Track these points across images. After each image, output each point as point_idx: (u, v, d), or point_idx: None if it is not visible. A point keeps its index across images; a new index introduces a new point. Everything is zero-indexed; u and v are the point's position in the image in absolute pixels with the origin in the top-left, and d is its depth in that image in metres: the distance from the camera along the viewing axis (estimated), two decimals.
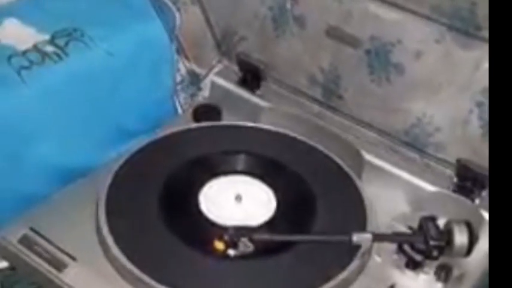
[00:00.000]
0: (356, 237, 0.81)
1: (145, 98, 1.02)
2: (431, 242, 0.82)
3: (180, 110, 1.09)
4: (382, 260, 0.85)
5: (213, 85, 1.10)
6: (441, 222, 0.84)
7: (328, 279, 0.80)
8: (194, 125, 1.02)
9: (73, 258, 0.82)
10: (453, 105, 0.89)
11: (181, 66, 1.11)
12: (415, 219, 0.86)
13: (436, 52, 0.87)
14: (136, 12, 1.00)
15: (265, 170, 0.94)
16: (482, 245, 0.84)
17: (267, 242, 0.82)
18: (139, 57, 0.99)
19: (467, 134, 0.90)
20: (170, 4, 1.04)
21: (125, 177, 0.90)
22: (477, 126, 0.88)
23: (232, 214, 0.88)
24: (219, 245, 0.81)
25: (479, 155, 0.90)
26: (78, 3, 0.99)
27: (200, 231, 0.85)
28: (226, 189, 0.91)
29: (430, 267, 0.84)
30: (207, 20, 1.08)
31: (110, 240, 0.82)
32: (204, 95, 1.13)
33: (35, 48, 0.91)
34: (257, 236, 0.82)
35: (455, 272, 0.84)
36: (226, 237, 0.81)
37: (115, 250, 0.81)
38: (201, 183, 0.91)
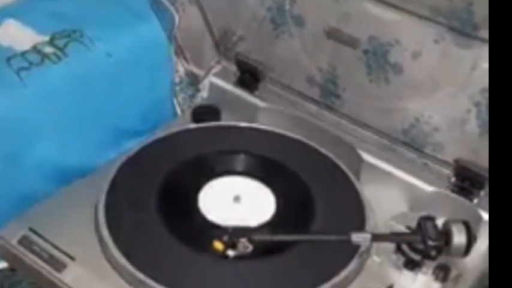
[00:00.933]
0: (355, 237, 0.81)
1: (144, 98, 1.02)
2: (430, 242, 0.82)
3: (178, 111, 1.09)
4: (380, 259, 0.85)
5: (212, 86, 1.10)
6: (439, 222, 0.84)
7: (327, 279, 0.80)
8: (193, 125, 1.03)
9: (72, 259, 0.82)
10: (451, 105, 0.89)
11: (179, 67, 1.11)
12: (413, 219, 0.86)
13: (434, 52, 0.87)
14: (135, 13, 1.01)
15: (264, 170, 0.94)
16: (481, 245, 0.84)
17: (266, 243, 0.83)
18: (138, 58, 0.99)
19: (465, 134, 0.90)
20: (168, 5, 1.04)
21: (124, 178, 0.90)
22: (475, 125, 0.88)
23: (231, 215, 0.88)
24: (218, 246, 0.81)
25: (478, 155, 0.90)
26: (78, 4, 0.99)
27: (199, 231, 0.85)
28: (225, 189, 0.92)
29: (429, 267, 0.84)
30: (206, 21, 1.08)
31: (109, 240, 0.82)
32: (202, 95, 1.13)
33: (35, 49, 0.91)
34: (256, 237, 0.82)
35: (454, 272, 0.84)
36: (225, 238, 0.81)
37: (114, 250, 0.81)
38: (200, 184, 0.91)
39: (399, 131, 0.96)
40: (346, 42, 0.94)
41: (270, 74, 1.06)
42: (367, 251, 0.84)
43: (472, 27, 0.82)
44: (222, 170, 0.94)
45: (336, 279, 0.80)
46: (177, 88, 1.10)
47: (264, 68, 1.06)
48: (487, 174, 0.90)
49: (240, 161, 0.95)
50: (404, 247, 0.84)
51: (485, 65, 0.83)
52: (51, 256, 0.83)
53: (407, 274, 0.84)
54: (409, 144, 0.96)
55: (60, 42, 0.93)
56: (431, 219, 0.84)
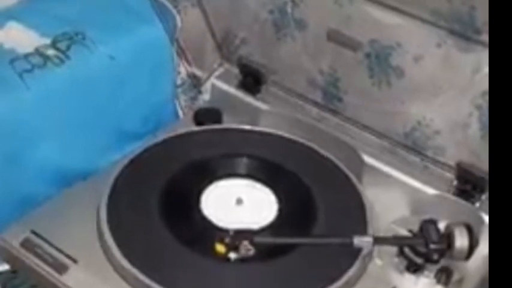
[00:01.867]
0: (357, 241, 0.81)
1: (146, 101, 1.02)
2: (432, 245, 0.82)
3: (180, 113, 1.09)
4: (382, 263, 0.85)
5: (214, 88, 1.10)
6: (441, 225, 0.85)
7: (329, 282, 0.80)
8: (195, 128, 1.03)
9: (74, 261, 0.82)
10: (453, 108, 0.89)
11: (182, 69, 1.11)
12: (415, 223, 0.87)
13: (436, 55, 0.87)
14: (138, 15, 1.01)
15: (266, 173, 0.94)
16: (483, 248, 0.84)
17: (268, 245, 0.83)
18: (140, 61, 0.99)
19: (467, 137, 0.90)
20: (171, 7, 1.05)
21: (126, 180, 0.90)
22: (477, 129, 0.88)
23: (234, 217, 0.88)
24: (220, 248, 0.81)
25: (479, 158, 0.90)
26: (80, 7, 0.99)
27: (201, 234, 0.85)
28: (227, 192, 0.92)
29: (431, 270, 0.84)
30: (208, 23, 1.08)
31: (111, 242, 0.82)
32: (204, 98, 1.12)
33: (37, 51, 0.91)
34: (258, 239, 0.82)
35: (456, 275, 0.84)
36: (227, 240, 0.81)
37: (116, 253, 0.81)
38: (202, 186, 0.91)
39: (401, 134, 0.96)
40: (348, 46, 0.94)
41: (272, 76, 1.07)
42: (369, 254, 0.84)
43: (474, 31, 0.82)
44: (224, 172, 0.94)
45: (337, 283, 0.80)
46: (179, 90, 1.10)
47: (266, 71, 1.07)
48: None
49: (242, 163, 0.95)
50: (407, 250, 0.84)
51: (487, 69, 0.83)
52: (54, 258, 0.83)
53: (409, 277, 0.84)
54: (411, 147, 0.96)
55: (63, 45, 0.93)
56: (433, 222, 0.84)
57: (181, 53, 1.09)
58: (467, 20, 0.82)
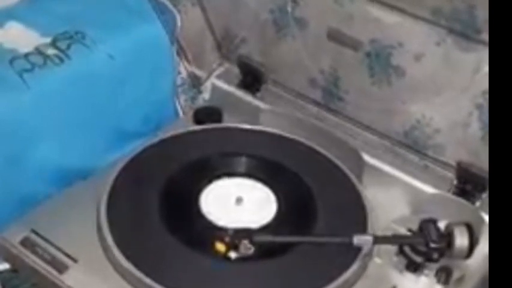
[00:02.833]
0: (357, 239, 0.81)
1: (146, 100, 1.02)
2: (432, 244, 0.82)
3: (180, 113, 1.09)
4: (382, 262, 0.85)
5: (214, 87, 1.10)
6: (441, 224, 0.85)
7: (329, 281, 0.80)
8: (195, 127, 1.03)
9: (74, 260, 0.83)
10: (453, 107, 0.89)
11: (181, 68, 1.11)
12: (415, 222, 0.87)
13: (436, 55, 0.87)
14: (137, 14, 1.01)
15: (266, 172, 0.94)
16: (483, 247, 0.84)
17: (268, 244, 0.83)
18: (140, 60, 0.99)
19: (467, 136, 0.90)
20: (171, 6, 1.05)
21: (126, 180, 0.90)
22: (477, 128, 0.88)
23: (233, 216, 0.88)
24: (220, 247, 0.81)
25: (480, 157, 0.90)
26: (80, 6, 0.99)
27: (201, 233, 0.85)
28: (227, 191, 0.92)
29: (431, 269, 0.84)
30: (208, 22, 1.08)
31: (111, 242, 0.82)
32: (204, 97, 1.12)
33: (37, 51, 0.91)
34: (258, 238, 0.82)
35: (456, 274, 0.84)
36: (227, 239, 0.81)
37: (116, 252, 0.81)
38: (202, 186, 0.91)
39: (401, 133, 0.96)
40: (348, 45, 0.94)
41: (272, 76, 1.07)
42: (369, 253, 0.84)
43: (474, 30, 0.82)
44: (224, 171, 0.94)
45: (337, 282, 0.80)
46: (179, 90, 1.10)
47: (266, 70, 1.07)
48: None
49: (242, 162, 0.95)
50: (407, 249, 0.84)
51: (487, 68, 0.83)
52: (53, 258, 0.83)
53: (409, 276, 0.84)
54: (411, 147, 0.96)
55: (63, 44, 0.93)
56: (433, 221, 0.84)
57: (181, 52, 1.09)
58: (468, 19, 0.82)
